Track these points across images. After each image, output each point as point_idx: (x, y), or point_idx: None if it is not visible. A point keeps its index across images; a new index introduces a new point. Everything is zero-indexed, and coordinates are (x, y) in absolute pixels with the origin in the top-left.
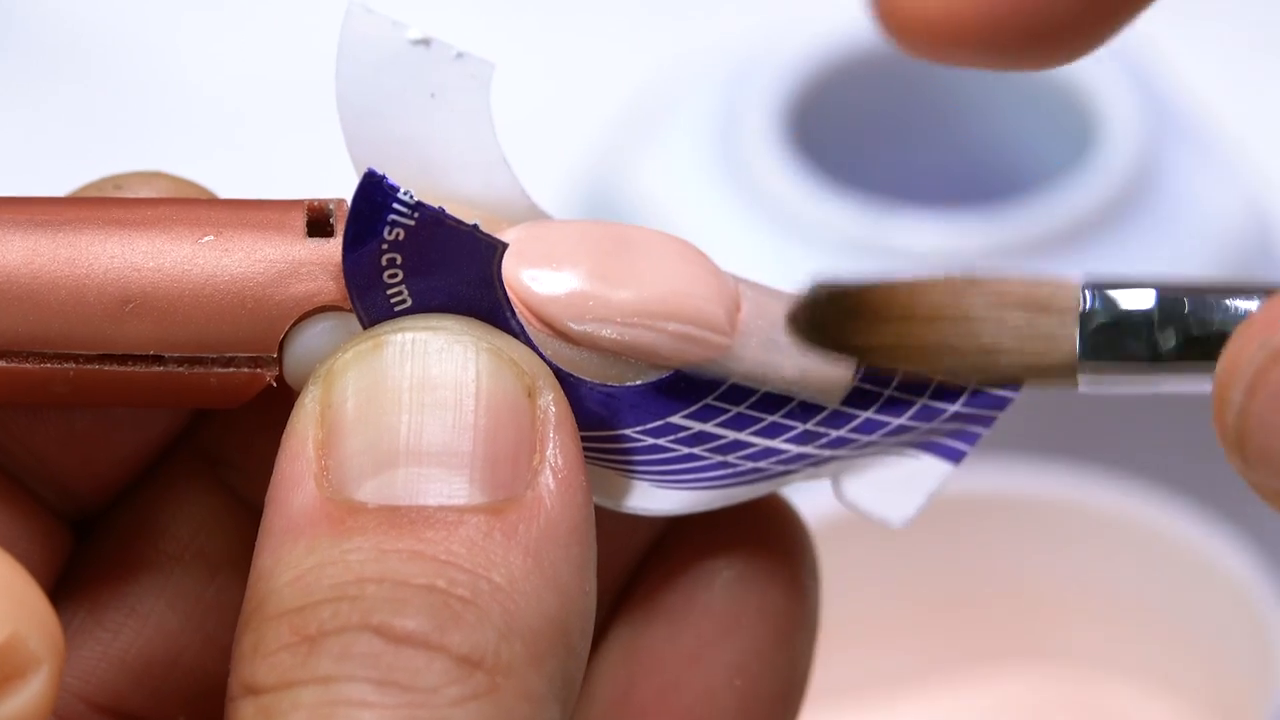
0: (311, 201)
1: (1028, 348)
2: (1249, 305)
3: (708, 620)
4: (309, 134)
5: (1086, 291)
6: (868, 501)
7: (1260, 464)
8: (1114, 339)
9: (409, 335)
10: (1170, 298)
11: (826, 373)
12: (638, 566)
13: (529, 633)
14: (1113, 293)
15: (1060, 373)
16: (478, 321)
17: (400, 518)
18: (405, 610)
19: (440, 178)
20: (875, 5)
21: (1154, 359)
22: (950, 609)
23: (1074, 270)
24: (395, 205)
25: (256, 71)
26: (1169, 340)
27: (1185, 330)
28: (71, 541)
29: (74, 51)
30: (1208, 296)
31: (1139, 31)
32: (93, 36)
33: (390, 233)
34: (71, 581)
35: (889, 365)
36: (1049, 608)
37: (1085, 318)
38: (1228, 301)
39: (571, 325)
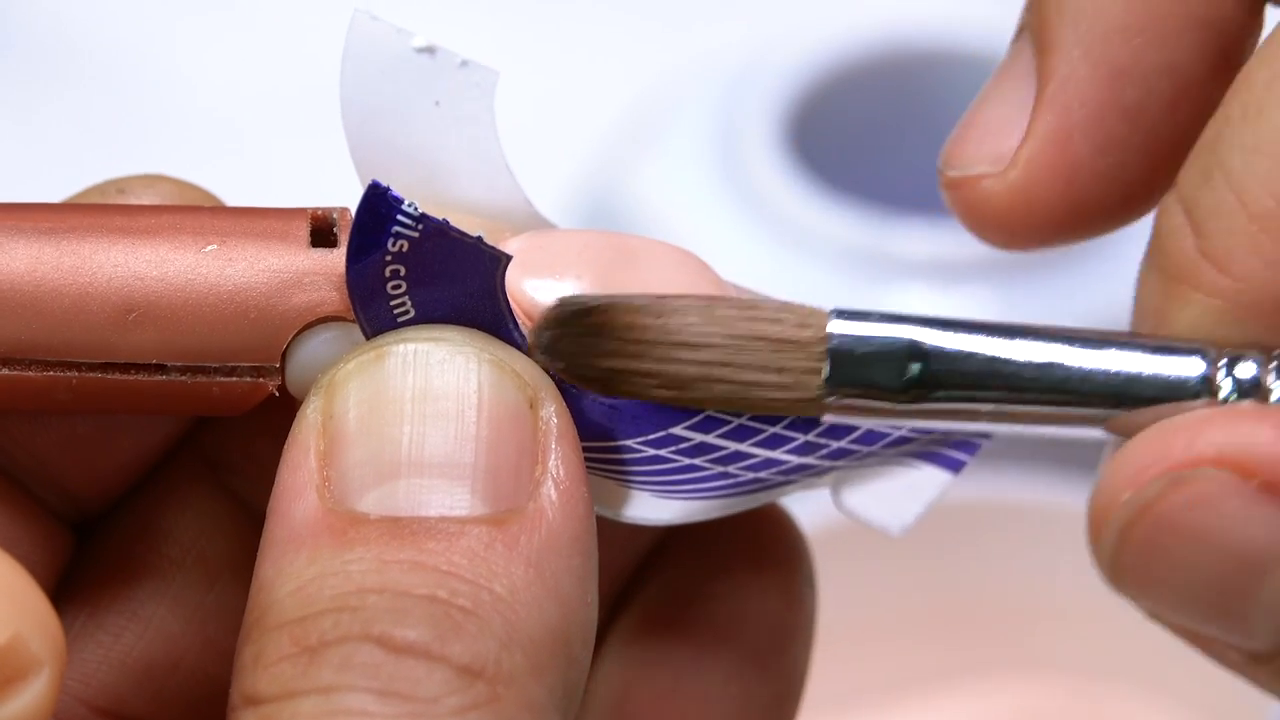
0: (315, 210)
1: (774, 380)
2: (994, 344)
3: (705, 628)
4: (313, 140)
5: (835, 321)
6: (867, 510)
7: (1135, 594)
8: (860, 371)
9: (411, 346)
10: (917, 335)
11: None
12: (636, 574)
13: (530, 643)
14: (861, 326)
15: (805, 407)
16: (480, 333)
17: (402, 529)
18: (406, 620)
19: (444, 185)
20: (954, 202)
21: (900, 393)
22: (947, 617)
23: (1071, 279)
24: (399, 217)
25: (261, 78)
26: (914, 375)
27: (930, 368)
28: (73, 544)
29: (76, 57)
30: (959, 332)
31: None
32: (95, 42)
33: (394, 244)
34: (73, 584)
35: (632, 392)
36: (1045, 615)
37: (833, 352)
38: (980, 338)
39: None
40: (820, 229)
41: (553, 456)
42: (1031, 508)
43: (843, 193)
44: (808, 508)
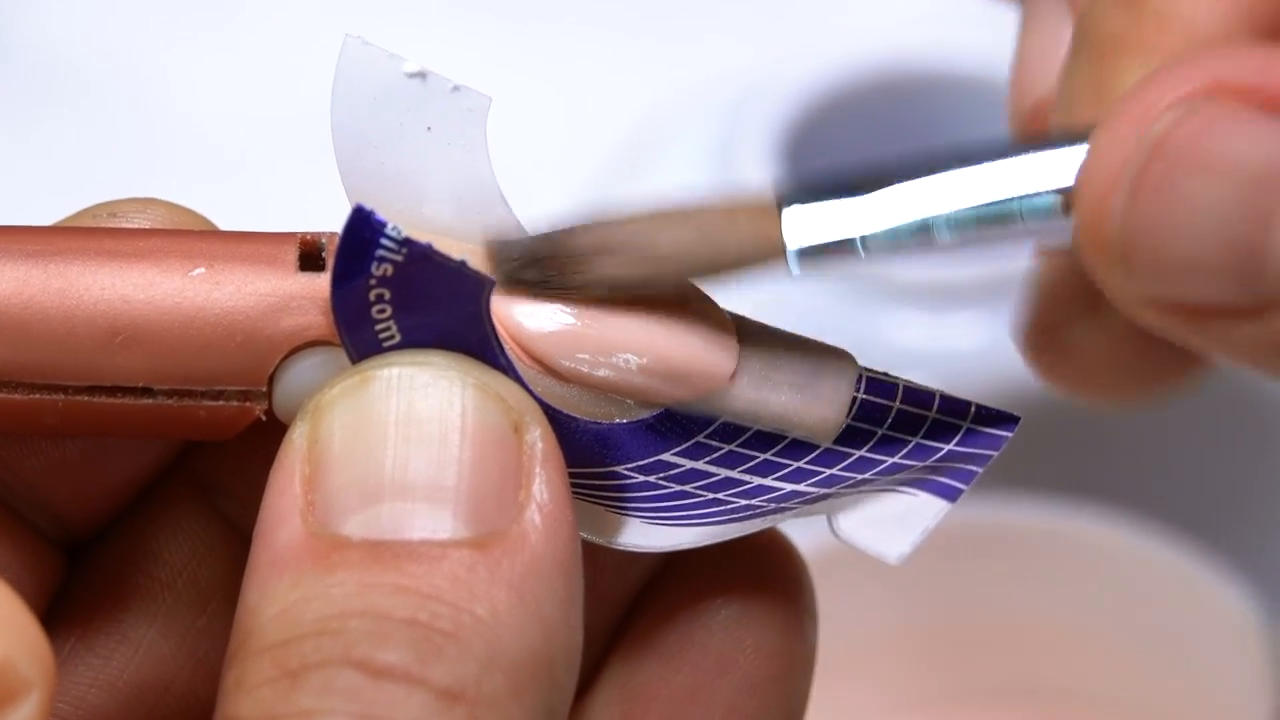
0: (304, 235)
1: (735, 237)
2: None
3: (704, 658)
4: (309, 164)
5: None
6: (864, 538)
7: (1146, 271)
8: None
9: (395, 370)
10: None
11: (819, 411)
12: (634, 602)
13: (511, 666)
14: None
15: (771, 247)
16: (465, 357)
17: (384, 552)
18: (386, 644)
19: (435, 210)
20: (1030, 138)
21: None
22: (946, 644)
23: None
24: (383, 241)
25: (256, 101)
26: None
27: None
28: (64, 567)
29: (70, 81)
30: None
31: None
32: (90, 65)
33: (378, 268)
34: (64, 607)
35: (612, 277)
36: (1044, 642)
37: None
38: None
39: (561, 362)
40: None
41: (537, 480)
42: (1030, 534)
43: None
44: (805, 535)
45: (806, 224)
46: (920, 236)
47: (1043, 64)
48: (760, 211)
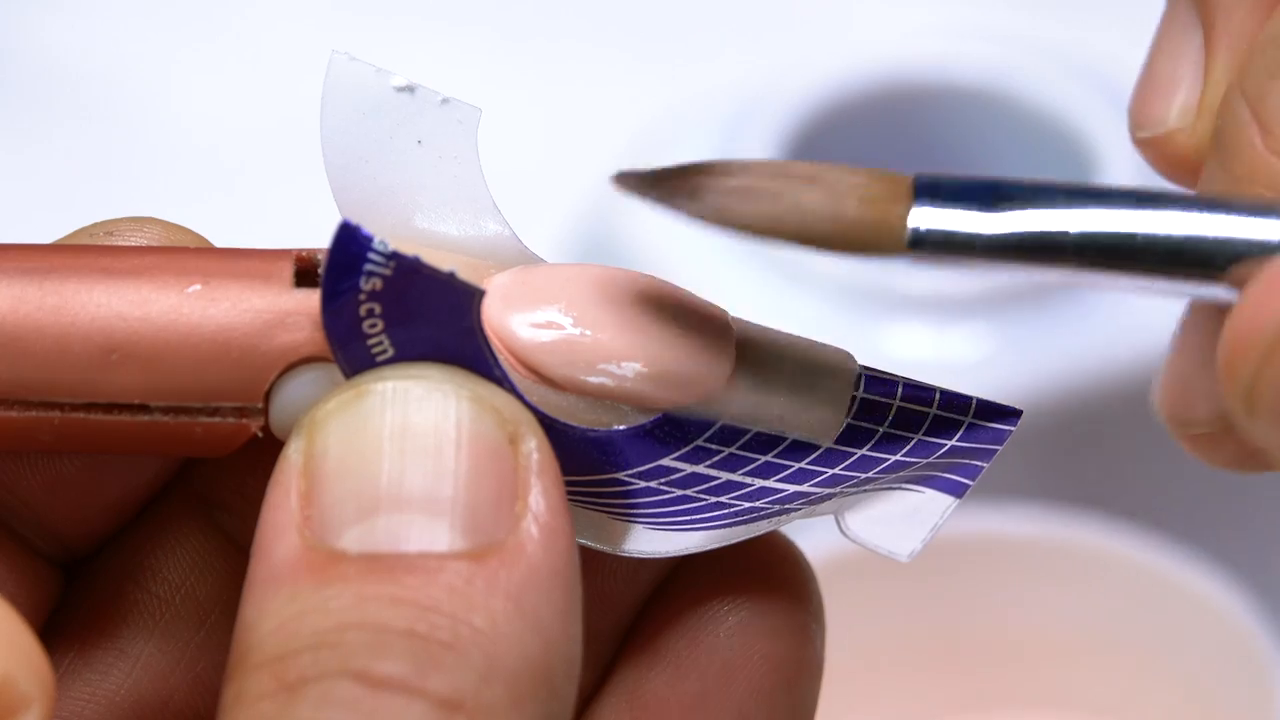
0: (300, 252)
1: (859, 199)
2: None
3: (711, 664)
4: (303, 178)
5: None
6: (873, 536)
7: (1266, 421)
8: (945, 193)
9: (390, 384)
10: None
11: (818, 412)
12: (641, 609)
13: (510, 675)
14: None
15: (891, 235)
16: (460, 369)
17: (381, 565)
18: (385, 655)
19: (428, 224)
20: (1153, 162)
21: (987, 204)
22: (953, 653)
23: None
24: (371, 255)
25: (251, 116)
26: (1001, 190)
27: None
28: (61, 583)
29: (67, 98)
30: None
31: (1134, 69)
32: (86, 81)
33: (367, 283)
34: (62, 622)
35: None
36: (1047, 652)
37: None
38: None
39: (557, 371)
40: (817, 265)
41: (533, 491)
42: (1036, 544)
43: None
44: (812, 540)
45: (935, 213)
46: (1048, 254)
47: (1174, 92)
48: (894, 186)
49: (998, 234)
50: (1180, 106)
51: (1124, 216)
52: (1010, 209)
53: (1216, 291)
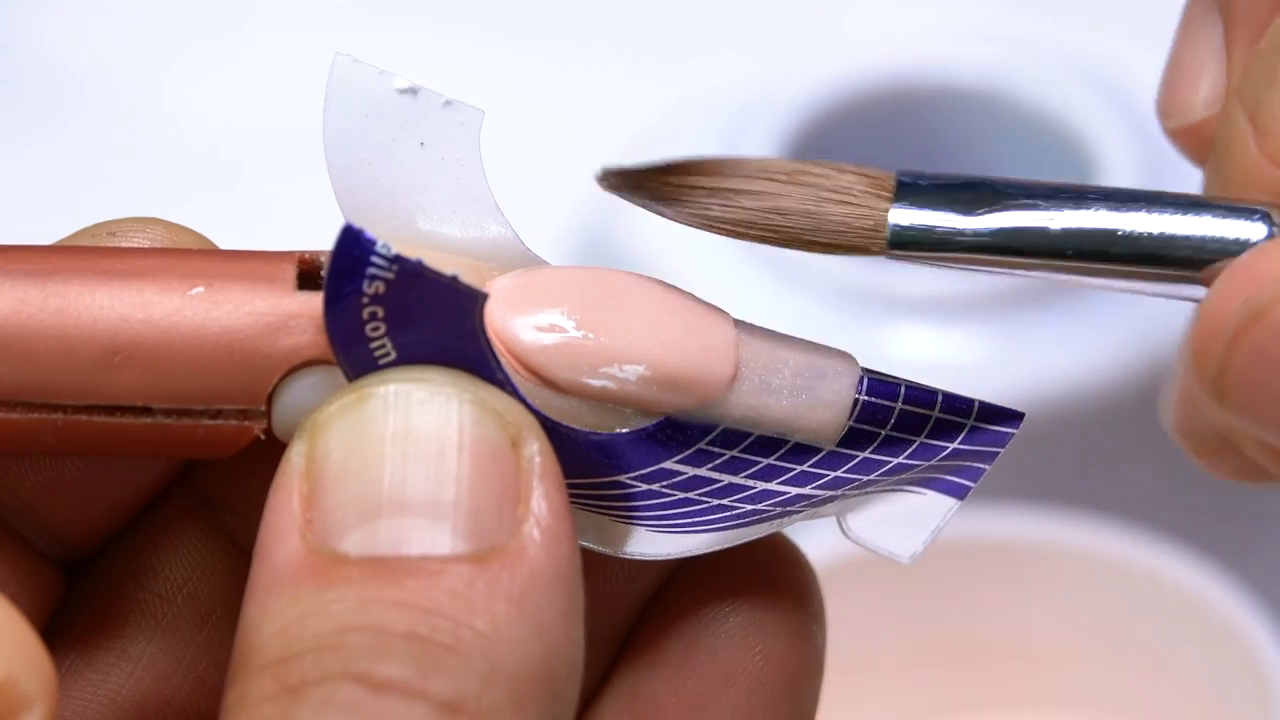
0: (303, 254)
1: (840, 202)
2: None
3: (713, 665)
4: (307, 179)
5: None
6: (875, 538)
7: (1237, 412)
8: (927, 194)
9: (392, 387)
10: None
11: (821, 415)
12: (642, 611)
13: (511, 678)
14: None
15: (870, 235)
16: (462, 373)
17: (383, 568)
18: (386, 658)
19: (431, 226)
20: (1184, 150)
21: (969, 205)
22: (953, 653)
23: (1069, 315)
24: (373, 258)
25: (254, 117)
26: (984, 188)
27: (998, 190)
28: (63, 583)
29: (70, 98)
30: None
31: (1134, 69)
32: (89, 83)
33: (370, 286)
34: (64, 623)
35: (715, 217)
36: (1048, 653)
37: (900, 174)
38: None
39: (560, 374)
40: (817, 266)
41: (535, 494)
42: (1036, 547)
43: None
44: (813, 542)
45: (916, 211)
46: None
47: (1199, 81)
48: (876, 183)
49: (978, 231)
50: (1206, 96)
51: (1103, 216)
52: (991, 208)
53: (1193, 291)
